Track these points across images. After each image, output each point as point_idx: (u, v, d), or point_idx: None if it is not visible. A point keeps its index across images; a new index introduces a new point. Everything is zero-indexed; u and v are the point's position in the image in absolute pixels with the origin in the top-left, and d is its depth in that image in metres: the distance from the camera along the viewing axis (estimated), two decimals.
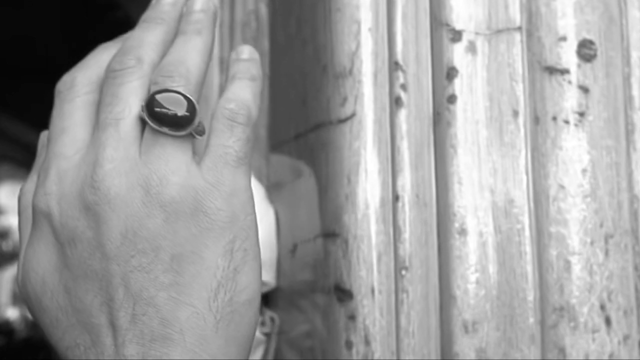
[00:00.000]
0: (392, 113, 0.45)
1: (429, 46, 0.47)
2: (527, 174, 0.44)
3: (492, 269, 0.43)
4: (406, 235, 0.45)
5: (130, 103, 0.35)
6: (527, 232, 0.44)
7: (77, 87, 0.37)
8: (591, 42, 0.44)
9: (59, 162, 0.35)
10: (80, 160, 0.35)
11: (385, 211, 0.45)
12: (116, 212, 0.33)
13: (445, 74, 0.45)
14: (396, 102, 0.45)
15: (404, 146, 0.45)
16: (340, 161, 0.45)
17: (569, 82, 0.44)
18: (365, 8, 0.47)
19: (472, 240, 0.44)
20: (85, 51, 0.39)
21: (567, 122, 0.44)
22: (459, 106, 0.45)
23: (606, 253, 0.43)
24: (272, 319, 0.49)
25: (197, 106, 0.35)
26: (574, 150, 0.44)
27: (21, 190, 0.37)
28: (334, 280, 0.45)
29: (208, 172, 0.35)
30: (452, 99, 0.45)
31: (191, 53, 0.37)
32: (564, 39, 0.44)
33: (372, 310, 0.44)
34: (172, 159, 0.34)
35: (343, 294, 0.44)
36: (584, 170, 0.44)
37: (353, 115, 0.45)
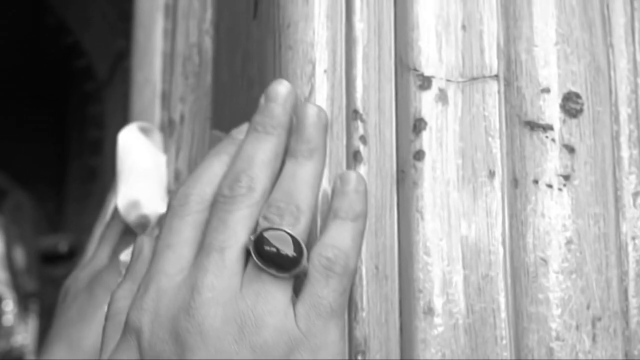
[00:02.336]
0: (350, 169, 0.39)
1: (393, 93, 0.41)
2: (504, 244, 0.38)
3: (462, 355, 0.37)
4: (363, 313, 0.38)
5: (237, 232, 0.36)
6: (503, 314, 0.37)
7: (190, 204, 0.37)
8: (577, 95, 0.39)
9: (160, 279, 0.36)
10: (181, 281, 0.35)
11: None
12: (206, 344, 0.34)
13: (411, 125, 0.39)
14: (354, 157, 0.39)
15: None
16: None
17: (553, 139, 0.38)
18: (321, 47, 0.40)
19: (440, 322, 0.37)
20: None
21: (550, 185, 0.38)
22: (427, 164, 0.39)
23: (593, 339, 0.37)
24: None
25: (304, 249, 0.35)
26: (557, 219, 0.38)
27: (113, 296, 0.38)
28: None
29: (301, 320, 0.35)
30: (419, 155, 0.39)
31: (302, 187, 0.37)
32: (546, 90, 0.39)
33: None
34: (271, 299, 0.35)
35: None
36: (568, 242, 0.38)
37: None
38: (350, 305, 0.38)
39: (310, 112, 0.38)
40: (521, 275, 0.38)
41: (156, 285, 0.36)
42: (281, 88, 0.38)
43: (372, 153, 0.40)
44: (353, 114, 0.40)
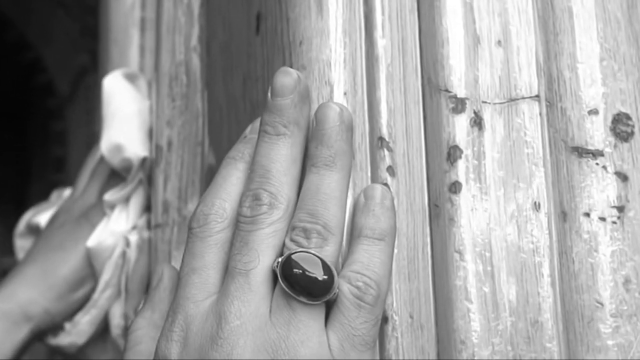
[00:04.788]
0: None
1: (421, 117, 0.36)
2: (553, 286, 0.34)
3: None
4: None
5: (260, 252, 0.33)
6: None
7: (210, 225, 0.35)
8: (627, 117, 0.35)
9: (187, 306, 0.34)
10: (209, 308, 0.33)
11: None
12: None
13: (445, 154, 0.35)
14: None
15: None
16: None
17: (604, 167, 0.34)
18: (339, 66, 0.36)
19: None
20: None
21: (602, 219, 0.34)
22: (465, 197, 0.34)
23: None
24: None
25: (335, 273, 0.32)
26: (613, 256, 0.34)
27: (132, 325, 0.37)
28: None
29: (335, 351, 0.32)
30: (455, 187, 0.34)
31: (328, 203, 0.33)
32: (594, 112, 0.35)
33: None
34: (303, 327, 0.32)
35: None
36: (626, 282, 0.34)
37: None
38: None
39: (331, 113, 0.34)
40: (574, 321, 0.33)
41: (184, 312, 0.34)
42: (287, 79, 0.34)
43: (401, 186, 0.35)
44: (378, 142, 0.35)
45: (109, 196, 0.51)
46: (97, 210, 0.51)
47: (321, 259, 0.32)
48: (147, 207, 0.52)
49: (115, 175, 0.53)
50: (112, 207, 0.51)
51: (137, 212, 0.51)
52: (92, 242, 0.50)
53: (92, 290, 0.51)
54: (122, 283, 0.51)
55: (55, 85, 1.77)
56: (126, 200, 0.51)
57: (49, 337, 0.51)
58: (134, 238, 0.50)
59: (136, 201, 0.51)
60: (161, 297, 0.37)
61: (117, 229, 0.50)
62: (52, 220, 0.54)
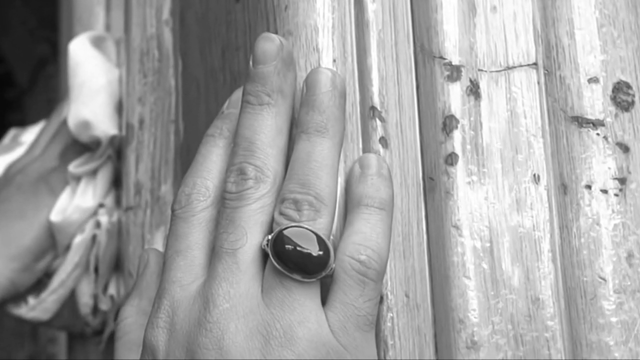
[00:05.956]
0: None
1: (414, 86, 0.34)
2: (554, 262, 0.32)
3: None
4: (394, 352, 0.31)
5: (248, 229, 0.31)
6: (559, 343, 0.32)
7: (192, 204, 0.33)
8: (628, 86, 0.34)
9: (173, 291, 0.32)
10: (195, 291, 0.31)
11: None
12: None
13: (440, 124, 0.33)
14: None
15: None
16: None
17: (605, 137, 0.33)
18: (327, 31, 0.34)
19: (485, 357, 0.31)
20: None
21: (604, 191, 0.33)
22: (461, 169, 0.33)
23: None
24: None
25: (331, 248, 0.30)
26: (615, 230, 0.32)
27: (120, 314, 0.35)
28: None
29: (338, 332, 0.30)
30: (451, 158, 0.33)
31: (319, 171, 0.31)
32: (594, 80, 0.33)
33: None
34: (298, 306, 0.30)
35: None
36: (629, 256, 0.32)
37: None
38: (378, 342, 0.31)
39: (322, 78, 0.32)
40: (577, 297, 0.32)
41: (170, 297, 0.32)
42: (269, 45, 0.32)
43: (394, 158, 0.33)
44: (370, 112, 0.33)
45: (74, 167, 0.48)
46: (58, 177, 0.49)
47: (315, 233, 0.30)
48: (115, 183, 0.49)
49: (78, 143, 0.50)
50: (78, 179, 0.48)
51: (104, 188, 0.48)
52: (56, 216, 0.47)
53: (53, 259, 0.48)
54: (91, 264, 0.48)
55: (13, 76, 1.72)
56: (93, 173, 0.48)
57: (10, 306, 0.49)
58: (104, 219, 0.48)
59: (104, 176, 0.48)
60: (148, 283, 0.35)
61: (83, 204, 0.47)
62: (8, 179, 0.51)
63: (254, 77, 0.32)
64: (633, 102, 0.34)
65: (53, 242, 0.48)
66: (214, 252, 0.31)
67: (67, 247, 0.48)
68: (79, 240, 0.47)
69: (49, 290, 0.48)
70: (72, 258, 0.48)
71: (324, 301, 0.30)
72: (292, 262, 0.29)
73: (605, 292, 0.32)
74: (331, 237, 0.31)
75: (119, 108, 0.51)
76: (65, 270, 0.48)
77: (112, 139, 0.48)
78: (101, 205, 0.49)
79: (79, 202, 0.47)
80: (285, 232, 0.30)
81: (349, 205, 0.32)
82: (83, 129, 0.48)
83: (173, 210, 0.33)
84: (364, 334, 0.30)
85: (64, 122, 0.50)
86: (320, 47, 0.34)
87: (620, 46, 0.34)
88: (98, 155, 0.48)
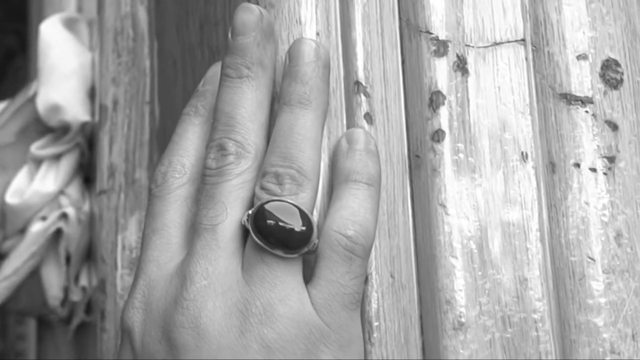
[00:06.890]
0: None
1: (399, 61, 0.33)
2: (542, 241, 0.32)
3: None
4: (379, 333, 0.30)
5: (228, 205, 0.30)
6: (547, 324, 0.31)
7: (168, 182, 0.32)
8: (616, 63, 0.33)
9: (149, 270, 0.31)
10: (173, 269, 0.30)
11: None
12: (204, 341, 0.28)
13: (427, 100, 0.32)
14: None
15: None
16: None
17: (594, 115, 0.32)
18: (310, 4, 0.33)
19: (473, 338, 0.30)
20: None
21: (593, 169, 0.32)
22: (448, 146, 0.32)
23: None
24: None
25: (313, 222, 0.29)
26: (604, 209, 0.32)
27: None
28: None
29: (322, 310, 0.29)
30: (438, 135, 0.32)
31: (302, 144, 0.30)
32: (583, 57, 0.33)
33: None
34: (279, 283, 0.29)
35: None
36: (618, 236, 0.32)
37: None
38: (363, 324, 0.30)
39: (306, 48, 0.31)
40: (565, 278, 0.31)
41: (146, 276, 0.31)
42: (248, 16, 0.31)
43: (379, 134, 0.32)
44: (354, 87, 0.32)
45: (36, 149, 0.46)
46: (14, 154, 0.47)
47: (298, 208, 0.29)
48: (86, 172, 0.48)
49: (40, 122, 0.48)
50: (39, 161, 0.46)
51: (67, 175, 0.46)
52: (12, 198, 0.45)
53: (2, 241, 0.46)
54: (62, 257, 0.47)
55: None
56: (57, 158, 0.46)
57: None
58: (70, 211, 0.46)
59: (68, 162, 0.46)
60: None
61: (43, 189, 0.45)
62: None
63: (232, 49, 0.31)
64: (622, 80, 0.33)
65: (2, 221, 0.46)
66: (194, 229, 0.30)
67: (22, 231, 0.46)
68: (39, 228, 0.45)
69: (1, 275, 0.46)
70: (29, 247, 0.46)
71: (306, 279, 0.29)
72: (274, 237, 0.28)
73: (594, 272, 0.31)
74: (314, 213, 0.30)
75: (92, 93, 0.49)
76: (21, 258, 0.46)
77: (84, 126, 0.47)
78: (62, 193, 0.47)
79: (38, 186, 0.45)
80: (266, 206, 0.29)
81: (336, 180, 0.31)
82: (53, 112, 0.46)
83: (150, 190, 0.32)
84: (350, 313, 0.29)
85: (29, 101, 0.48)
86: (303, 19, 0.32)
87: (609, 23, 0.33)
88: (65, 141, 0.47)
